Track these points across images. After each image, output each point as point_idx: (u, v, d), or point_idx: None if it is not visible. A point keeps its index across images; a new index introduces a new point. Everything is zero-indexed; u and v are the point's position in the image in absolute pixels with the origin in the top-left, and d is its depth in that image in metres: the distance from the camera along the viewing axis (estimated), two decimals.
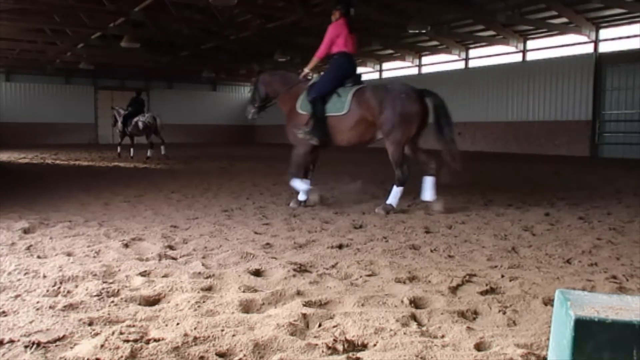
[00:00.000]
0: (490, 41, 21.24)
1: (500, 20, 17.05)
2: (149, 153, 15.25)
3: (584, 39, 18.61)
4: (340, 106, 6.01)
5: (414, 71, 25.64)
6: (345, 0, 6.18)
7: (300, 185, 6.31)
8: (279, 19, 17.79)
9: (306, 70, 6.55)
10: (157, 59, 24.68)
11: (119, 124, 16.19)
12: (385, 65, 27.32)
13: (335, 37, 6.10)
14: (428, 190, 5.93)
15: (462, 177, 7.37)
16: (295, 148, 6.37)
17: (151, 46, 22.65)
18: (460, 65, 23.35)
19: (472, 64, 23.08)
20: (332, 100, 6.06)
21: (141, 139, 15.94)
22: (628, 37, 17.84)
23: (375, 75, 27.97)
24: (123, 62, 26.73)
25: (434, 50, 23.86)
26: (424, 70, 25.29)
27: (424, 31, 17.86)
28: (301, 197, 6.32)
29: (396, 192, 5.90)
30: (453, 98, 23.14)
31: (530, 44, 20.78)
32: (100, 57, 25.33)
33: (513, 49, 20.93)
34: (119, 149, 16.60)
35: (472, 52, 23.05)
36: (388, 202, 5.92)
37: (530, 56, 20.78)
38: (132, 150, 15.87)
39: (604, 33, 18.38)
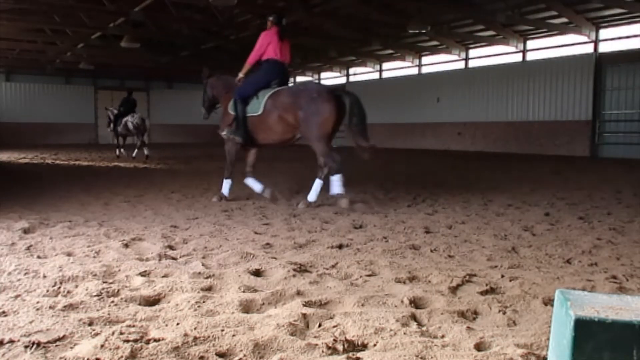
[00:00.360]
0: (490, 41, 21.24)
1: (500, 20, 17.05)
2: (145, 151, 15.48)
3: (584, 39, 18.61)
4: (257, 107, 6.44)
5: (414, 71, 25.64)
6: (278, 12, 6.82)
7: (227, 183, 6.89)
8: None
9: (240, 75, 6.87)
10: (157, 59, 24.68)
11: (111, 124, 16.50)
12: (385, 65, 27.31)
13: (266, 45, 6.55)
14: (335, 186, 6.12)
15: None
16: (226, 147, 6.95)
17: (151, 46, 22.65)
18: (460, 65, 23.35)
19: (472, 64, 23.08)
20: (252, 102, 6.51)
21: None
22: (628, 37, 17.84)
23: (376, 75, 27.97)
24: (123, 62, 26.73)
25: (434, 50, 23.86)
26: (424, 70, 25.29)
27: (424, 31, 17.86)
28: (224, 191, 6.91)
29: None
30: (453, 98, 23.21)
31: (530, 44, 20.78)
32: (100, 57, 25.33)
33: (513, 49, 20.93)
34: (117, 150, 16.70)
35: (472, 52, 23.05)
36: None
37: (530, 56, 20.78)
38: (121, 150, 16.16)
39: (604, 33, 18.38)
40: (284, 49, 6.62)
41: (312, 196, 6.30)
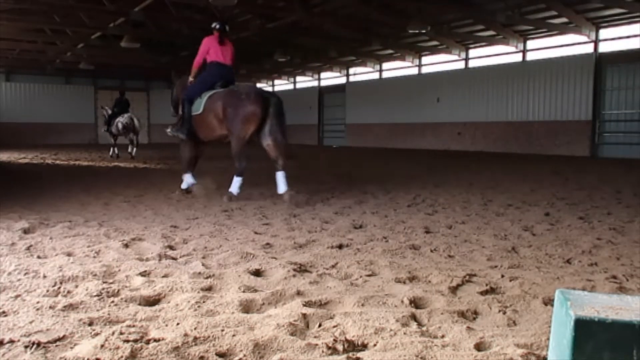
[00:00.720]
0: (490, 41, 21.24)
1: (500, 20, 17.05)
2: (129, 149, 15.85)
3: (584, 39, 18.60)
4: (199, 106, 7.03)
5: (414, 71, 25.63)
6: (221, 20, 7.60)
7: (188, 177, 7.43)
8: (279, 19, 17.78)
9: (190, 78, 7.48)
10: (157, 59, 24.67)
11: (105, 124, 16.85)
12: (385, 65, 27.30)
13: (208, 49, 7.20)
14: (280, 183, 6.68)
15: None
16: (181, 146, 7.67)
17: (151, 46, 22.64)
18: (460, 65, 23.34)
19: (472, 64, 23.07)
20: (196, 102, 7.08)
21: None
22: (628, 37, 17.84)
23: (376, 75, 27.97)
24: (123, 62, 26.72)
25: (434, 50, 23.85)
26: (424, 70, 25.28)
27: (424, 31, 17.86)
28: (184, 185, 7.47)
29: (236, 181, 6.74)
30: (453, 98, 23.20)
31: (530, 44, 20.78)
32: (100, 57, 25.33)
33: (513, 49, 20.93)
34: (111, 149, 16.82)
35: (472, 52, 23.04)
36: (230, 190, 6.74)
37: (530, 56, 20.77)
38: (114, 149, 16.41)
39: (604, 33, 18.38)
40: (225, 52, 7.20)
41: (234, 188, 6.84)
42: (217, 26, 7.26)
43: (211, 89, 7.05)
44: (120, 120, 15.69)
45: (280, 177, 6.67)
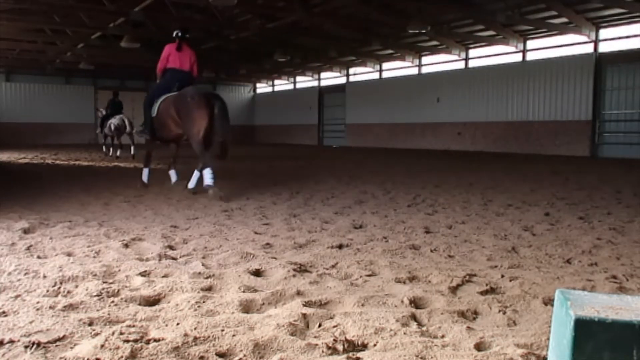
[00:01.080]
0: (490, 41, 21.24)
1: (500, 20, 17.05)
2: (117, 152, 16.09)
3: (583, 38, 18.61)
4: (155, 110, 7.54)
5: (414, 71, 25.64)
6: (181, 27, 8.01)
7: (145, 172, 8.08)
8: (279, 19, 17.79)
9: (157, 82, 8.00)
10: (157, 59, 24.65)
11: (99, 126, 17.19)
12: (385, 65, 27.31)
13: (167, 56, 7.71)
14: (207, 178, 7.07)
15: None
16: (145, 143, 8.36)
17: (151, 46, 22.64)
18: (460, 65, 23.35)
19: (472, 64, 23.08)
20: (155, 105, 7.58)
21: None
22: (628, 37, 17.85)
23: (376, 75, 27.98)
24: (123, 62, 26.73)
25: (434, 50, 23.86)
26: (424, 70, 25.29)
27: (424, 31, 17.86)
28: (144, 179, 8.08)
29: (206, 173, 7.07)
30: (453, 98, 23.21)
31: (530, 44, 20.79)
32: (100, 57, 25.34)
33: (513, 49, 20.94)
34: (117, 151, 16.84)
35: (472, 52, 23.05)
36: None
37: (530, 56, 20.79)
38: (105, 147, 16.81)
39: (603, 33, 18.39)
40: (183, 58, 7.69)
41: (191, 183, 7.47)
42: (177, 33, 7.76)
43: (169, 93, 7.51)
44: (112, 122, 15.88)
45: (207, 172, 7.07)
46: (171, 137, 7.72)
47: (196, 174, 7.50)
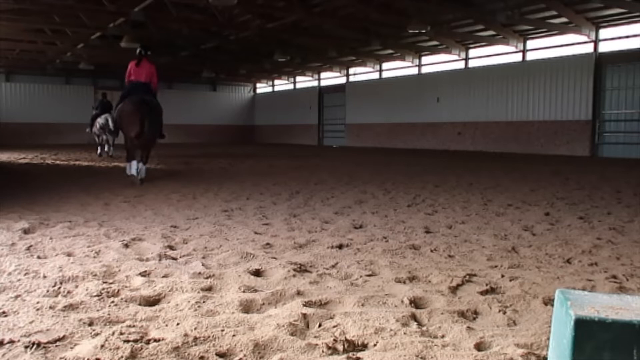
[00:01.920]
0: (490, 41, 21.24)
1: (500, 20, 17.04)
2: (106, 149, 16.85)
3: (583, 38, 18.61)
4: (114, 113, 9.70)
5: (414, 71, 25.64)
6: (143, 46, 9.86)
7: (132, 165, 9.02)
8: (279, 19, 17.79)
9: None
10: (156, 59, 24.65)
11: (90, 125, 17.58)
12: (385, 65, 27.31)
13: (130, 70, 9.31)
14: (140, 169, 8.74)
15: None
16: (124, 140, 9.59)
17: (151, 46, 22.62)
18: (460, 65, 23.35)
19: (472, 63, 23.08)
20: (116, 109, 9.41)
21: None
22: (628, 37, 17.85)
23: (375, 75, 27.97)
24: (123, 62, 26.63)
25: (434, 50, 23.85)
26: (424, 70, 25.29)
27: (424, 31, 17.86)
28: (130, 172, 9.07)
29: (133, 164, 8.87)
30: (453, 98, 23.22)
31: (530, 44, 20.79)
32: (100, 57, 25.33)
33: (513, 48, 20.94)
34: (111, 150, 17.01)
35: (472, 52, 23.05)
36: (129, 173, 9.00)
37: (530, 56, 20.79)
38: (98, 148, 17.12)
39: (603, 33, 18.39)
40: (140, 72, 9.23)
41: (133, 170, 8.88)
42: (140, 51, 9.43)
43: (125, 100, 9.05)
44: (98, 121, 16.33)
45: (142, 167, 8.75)
46: (129, 136, 8.92)
47: (135, 163, 8.90)
